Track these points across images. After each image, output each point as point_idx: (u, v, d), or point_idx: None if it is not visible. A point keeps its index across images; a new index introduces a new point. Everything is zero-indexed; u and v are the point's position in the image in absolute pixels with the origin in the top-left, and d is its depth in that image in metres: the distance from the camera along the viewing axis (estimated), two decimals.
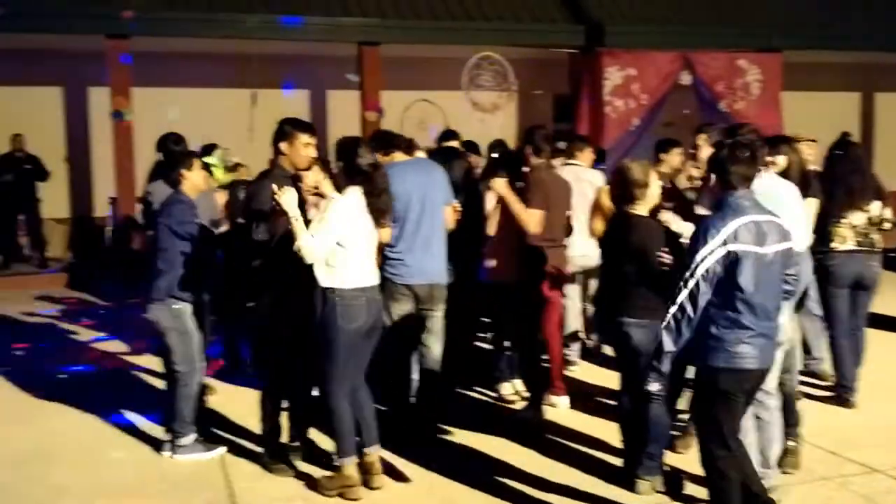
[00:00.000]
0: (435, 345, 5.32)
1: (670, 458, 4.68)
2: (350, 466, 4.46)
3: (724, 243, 3.44)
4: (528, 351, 5.80)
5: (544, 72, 13.68)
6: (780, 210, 3.76)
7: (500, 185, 5.50)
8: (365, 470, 4.52)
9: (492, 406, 6.00)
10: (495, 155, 7.46)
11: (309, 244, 4.25)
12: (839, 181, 5.72)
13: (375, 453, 4.55)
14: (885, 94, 15.99)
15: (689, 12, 12.88)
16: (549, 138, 5.86)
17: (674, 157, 5.99)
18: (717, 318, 3.50)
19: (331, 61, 12.74)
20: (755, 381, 3.61)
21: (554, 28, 12.54)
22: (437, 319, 5.31)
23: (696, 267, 3.46)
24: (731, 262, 3.45)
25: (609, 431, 5.08)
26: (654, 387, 3.64)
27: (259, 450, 4.97)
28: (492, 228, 5.68)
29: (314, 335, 4.46)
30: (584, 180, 6.61)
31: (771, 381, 4.17)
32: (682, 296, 3.48)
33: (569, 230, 5.91)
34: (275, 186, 4.39)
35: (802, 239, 4.63)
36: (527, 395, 5.92)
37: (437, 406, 5.40)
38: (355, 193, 4.41)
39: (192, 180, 5.08)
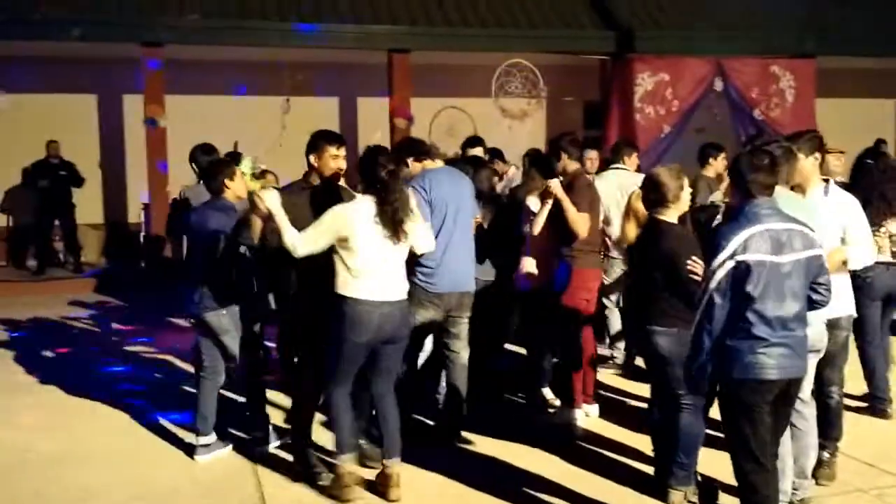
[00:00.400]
0: (462, 351, 5.33)
1: (704, 468, 4.64)
2: (343, 465, 4.46)
3: (733, 255, 3.40)
4: (565, 357, 5.79)
5: (574, 78, 13.65)
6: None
7: (556, 186, 5.48)
8: (383, 481, 4.50)
9: (521, 413, 5.98)
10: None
11: (292, 238, 4.28)
12: (873, 190, 5.63)
13: (396, 465, 4.51)
14: None
15: (720, 17, 12.79)
16: (576, 143, 5.85)
17: (720, 163, 5.95)
18: (731, 328, 3.47)
19: (361, 68, 12.81)
20: (779, 391, 3.53)
21: (584, 34, 12.52)
22: (464, 326, 5.32)
23: (709, 279, 3.44)
24: (741, 273, 3.40)
25: (641, 441, 5.04)
26: (686, 399, 3.61)
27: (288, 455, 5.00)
28: (537, 229, 5.65)
29: (322, 332, 4.46)
30: (631, 185, 6.65)
31: (806, 390, 4.11)
32: (701, 308, 3.48)
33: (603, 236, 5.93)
34: (260, 191, 4.46)
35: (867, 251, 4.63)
36: (556, 402, 5.90)
37: (461, 413, 5.39)
38: (366, 202, 4.36)
39: (234, 189, 5.15)
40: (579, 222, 5.47)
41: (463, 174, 5.55)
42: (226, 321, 5.09)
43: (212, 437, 5.17)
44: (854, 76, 14.28)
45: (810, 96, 12.78)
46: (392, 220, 4.31)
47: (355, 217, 4.30)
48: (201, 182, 5.86)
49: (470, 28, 12.08)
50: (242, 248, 4.96)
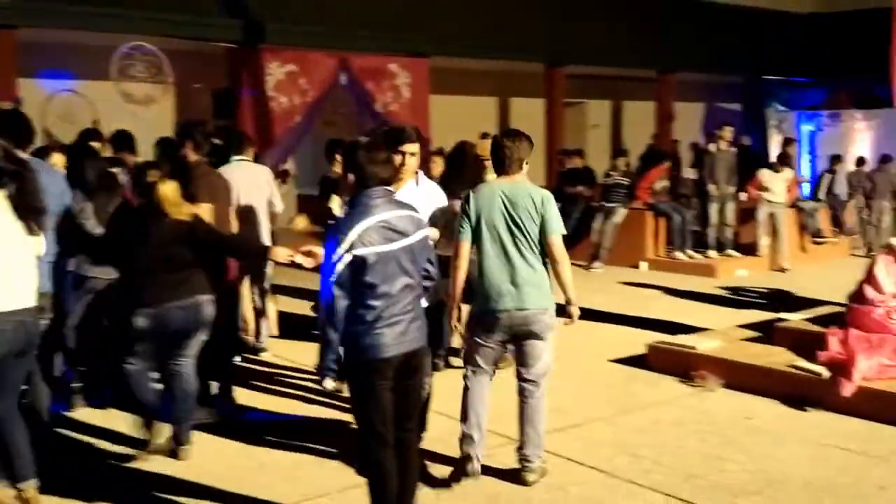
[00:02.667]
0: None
1: None
2: None
3: (351, 248, 3.58)
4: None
5: (203, 65, 13.36)
6: None
7: None
8: None
9: None
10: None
11: None
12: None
13: (31, 488, 4.14)
14: (518, 99, 17.75)
15: (347, 15, 13.29)
16: (207, 134, 5.85)
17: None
18: (352, 315, 3.64)
19: None
20: (399, 365, 3.70)
21: (210, 21, 12.30)
22: None
23: (330, 273, 3.62)
24: (358, 265, 3.59)
25: None
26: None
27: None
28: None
29: None
30: (259, 175, 6.91)
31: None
32: (325, 302, 3.69)
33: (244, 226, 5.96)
34: None
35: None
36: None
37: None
38: None
39: None
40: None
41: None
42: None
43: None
44: (462, 76, 15.70)
45: (425, 93, 13.82)
46: (29, 212, 4.01)
47: None
48: None
49: (86, 5, 11.27)
50: None
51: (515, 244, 4.45)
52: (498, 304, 4.46)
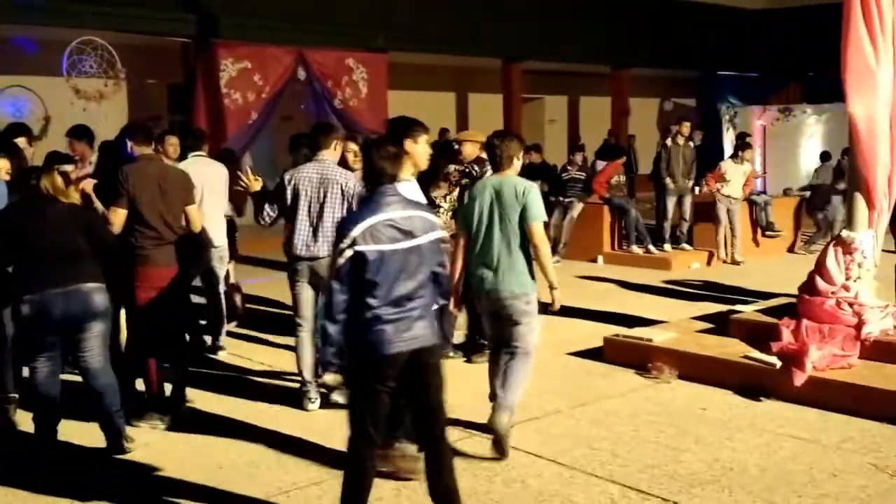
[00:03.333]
0: None
1: None
2: None
3: (353, 244, 3.55)
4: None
5: (157, 60, 13.19)
6: None
7: (86, 185, 5.58)
8: None
9: None
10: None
11: None
12: None
13: None
14: (476, 94, 17.79)
15: (304, 10, 13.21)
16: (148, 130, 5.78)
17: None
18: (353, 312, 3.59)
19: None
20: (404, 363, 3.63)
21: (163, 15, 12.14)
22: None
23: (330, 266, 3.63)
24: (360, 262, 3.56)
25: None
26: None
27: None
28: None
29: None
30: (217, 172, 6.94)
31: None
32: (324, 296, 3.67)
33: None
34: None
35: None
36: None
37: None
38: None
39: None
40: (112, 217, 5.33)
41: None
42: None
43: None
44: (420, 71, 15.69)
45: (383, 88, 13.79)
46: None
47: None
48: None
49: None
50: None
51: (501, 232, 4.85)
52: (481, 286, 4.89)
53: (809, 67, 18.50)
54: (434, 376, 3.77)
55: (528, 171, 12.87)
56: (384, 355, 3.60)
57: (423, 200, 5.16)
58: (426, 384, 3.75)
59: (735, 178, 11.48)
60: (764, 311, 6.99)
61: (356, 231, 3.58)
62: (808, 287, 6.39)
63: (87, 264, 4.73)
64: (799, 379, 5.70)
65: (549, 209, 11.96)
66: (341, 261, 3.58)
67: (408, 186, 5.15)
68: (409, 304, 3.65)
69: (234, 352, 7.04)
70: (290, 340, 6.81)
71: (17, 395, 5.45)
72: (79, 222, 4.75)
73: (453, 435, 4.79)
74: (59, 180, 4.71)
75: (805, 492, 4.38)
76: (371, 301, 3.60)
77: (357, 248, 3.56)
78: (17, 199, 5.17)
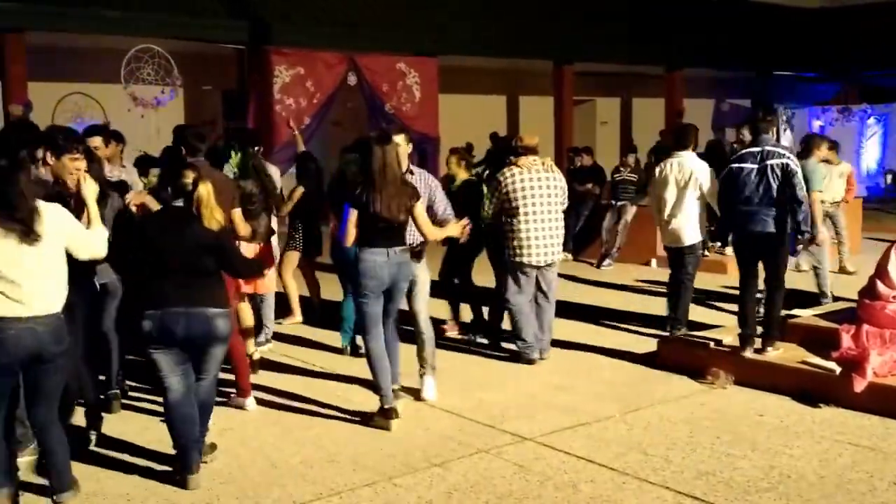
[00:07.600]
0: None
1: None
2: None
3: None
4: None
5: (212, 67, 13.42)
6: None
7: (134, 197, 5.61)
8: None
9: None
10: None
11: None
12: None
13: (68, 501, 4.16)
14: (527, 97, 17.74)
15: (355, 15, 13.33)
16: (201, 136, 5.88)
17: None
18: None
19: None
20: None
21: (216, 23, 12.35)
22: None
23: None
24: None
25: None
26: None
27: None
28: None
29: None
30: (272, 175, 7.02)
31: None
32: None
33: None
34: None
35: None
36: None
37: None
38: None
39: None
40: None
41: None
42: None
43: None
44: (471, 74, 15.69)
45: (434, 92, 13.83)
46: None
47: None
48: None
49: (91, 8, 11.34)
50: None
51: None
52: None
53: (868, 67, 18.08)
54: None
55: (580, 174, 12.83)
56: None
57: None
58: None
59: (832, 181, 9.95)
60: (823, 316, 6.84)
61: None
62: (869, 291, 6.24)
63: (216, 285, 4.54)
64: (859, 385, 5.57)
65: (602, 212, 11.91)
66: None
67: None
68: None
69: (285, 352, 7.11)
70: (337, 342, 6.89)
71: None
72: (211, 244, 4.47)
73: (499, 440, 4.77)
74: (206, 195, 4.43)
75: (864, 500, 4.28)
76: None
77: None
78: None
